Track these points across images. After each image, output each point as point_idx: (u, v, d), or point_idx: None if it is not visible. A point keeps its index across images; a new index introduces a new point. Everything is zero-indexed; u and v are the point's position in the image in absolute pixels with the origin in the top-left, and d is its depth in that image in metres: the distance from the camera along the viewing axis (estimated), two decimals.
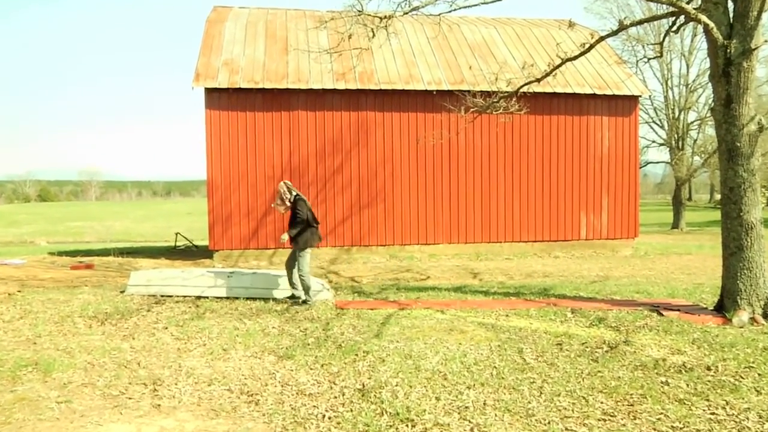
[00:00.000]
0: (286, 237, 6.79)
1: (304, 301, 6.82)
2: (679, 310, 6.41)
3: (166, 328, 5.78)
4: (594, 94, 13.02)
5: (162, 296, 7.19)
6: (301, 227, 6.72)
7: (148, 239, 23.64)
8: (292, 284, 6.94)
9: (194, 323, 5.91)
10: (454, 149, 12.71)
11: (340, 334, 5.54)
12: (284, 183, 6.90)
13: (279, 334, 5.60)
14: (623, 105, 13.32)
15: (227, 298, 7.08)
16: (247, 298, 7.07)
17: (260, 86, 11.84)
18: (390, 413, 3.74)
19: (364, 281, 9.68)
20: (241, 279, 7.22)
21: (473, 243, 12.86)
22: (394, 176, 12.58)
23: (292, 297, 6.95)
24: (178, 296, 7.17)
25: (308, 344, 5.23)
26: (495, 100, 7.93)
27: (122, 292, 7.48)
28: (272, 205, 7.10)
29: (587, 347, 5.08)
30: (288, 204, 6.83)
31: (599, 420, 3.66)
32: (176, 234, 16.48)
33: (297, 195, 6.86)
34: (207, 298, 7.08)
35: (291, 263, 6.90)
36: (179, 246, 15.66)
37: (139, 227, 33.27)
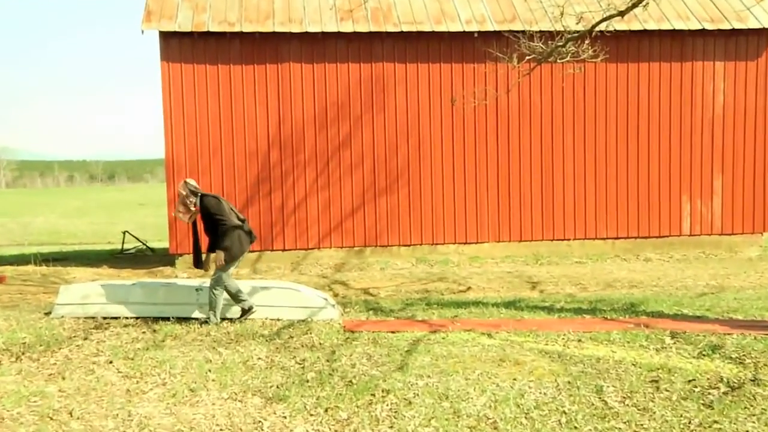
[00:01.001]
0: (222, 255, 6.91)
1: (206, 321, 7.03)
2: None
3: (111, 362, 5.79)
4: (703, 30, 12.75)
5: (104, 318, 7.22)
6: (230, 234, 6.94)
7: (83, 241, 23.81)
8: (237, 299, 7.14)
9: (150, 354, 5.93)
10: (503, 113, 12.58)
11: (351, 366, 5.54)
12: (185, 182, 7.09)
13: (267, 367, 5.60)
14: (747, 44, 13.01)
15: (195, 319, 7.13)
16: (223, 319, 7.11)
17: (237, 29, 11.87)
18: None
19: (381, 294, 9.71)
20: None
21: (530, 241, 12.79)
22: (422, 151, 12.52)
23: (243, 313, 7.14)
24: (127, 318, 7.22)
25: (307, 381, 5.23)
26: (560, 43, 7.86)
27: (47, 313, 7.54)
28: (174, 214, 7.21)
29: (696, 387, 4.99)
30: (194, 209, 7.04)
31: None
32: (123, 233, 16.65)
33: (205, 195, 7.07)
34: (168, 319, 7.12)
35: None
36: (128, 250, 15.83)
37: (70, 224, 33.38)
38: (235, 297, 7.09)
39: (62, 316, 7.32)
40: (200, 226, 7.17)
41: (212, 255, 7.12)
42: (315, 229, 12.40)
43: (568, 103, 12.75)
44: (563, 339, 6.27)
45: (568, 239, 12.88)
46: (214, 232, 7.00)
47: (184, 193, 7.00)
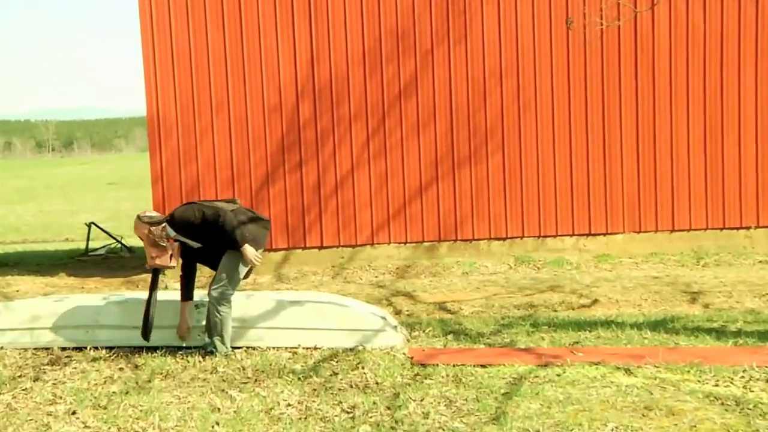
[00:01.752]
0: (250, 250, 7.01)
1: (210, 351, 7.16)
2: None
3: (74, 412, 5.84)
4: None
5: (63, 349, 7.36)
6: (240, 224, 7.06)
7: (28, 237, 24.26)
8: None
9: (130, 401, 6.00)
10: (646, 40, 12.41)
11: (423, 416, 5.54)
12: (139, 219, 7.09)
13: (301, 417, 5.63)
14: None
15: (195, 348, 7.23)
16: (235, 347, 7.19)
17: None
18: None
19: (465, 310, 9.74)
20: None
21: (688, 231, 12.69)
22: (523, 100, 12.45)
23: (205, 347, 7.25)
24: (96, 348, 7.34)
25: None
26: None
27: None
28: (148, 267, 7.39)
29: None
30: (170, 243, 7.11)
31: None
32: (88, 226, 16.98)
33: (172, 215, 7.15)
34: (155, 350, 7.23)
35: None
36: (95, 250, 16.17)
37: (10, 213, 33.64)
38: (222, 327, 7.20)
39: (1, 347, 7.49)
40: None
41: (185, 319, 7.33)
42: (366, 216, 12.45)
43: (748, 25, 12.48)
44: (742, 378, 6.17)
45: (748, 227, 12.69)
46: (219, 240, 7.05)
47: (146, 231, 7.04)
